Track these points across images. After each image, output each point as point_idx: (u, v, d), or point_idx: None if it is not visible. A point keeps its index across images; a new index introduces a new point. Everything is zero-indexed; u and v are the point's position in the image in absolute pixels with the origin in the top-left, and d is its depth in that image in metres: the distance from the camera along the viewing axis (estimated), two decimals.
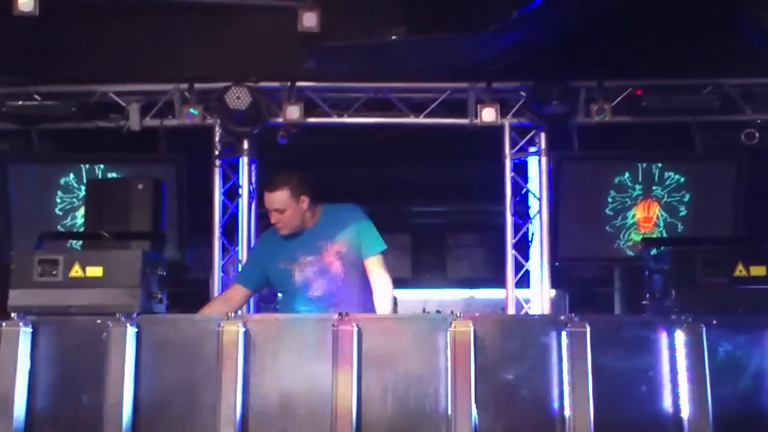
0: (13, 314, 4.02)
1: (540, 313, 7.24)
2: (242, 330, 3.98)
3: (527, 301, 7.68)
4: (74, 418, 3.97)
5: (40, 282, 4.04)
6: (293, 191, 4.94)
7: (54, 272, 4.05)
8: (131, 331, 3.97)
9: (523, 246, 7.74)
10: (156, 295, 4.24)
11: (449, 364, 3.97)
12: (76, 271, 4.06)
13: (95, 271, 4.06)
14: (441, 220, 10.64)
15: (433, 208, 10.37)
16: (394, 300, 7.58)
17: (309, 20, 6.36)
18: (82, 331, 4.05)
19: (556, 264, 7.51)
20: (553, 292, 8.40)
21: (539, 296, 7.55)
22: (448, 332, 3.99)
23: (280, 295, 5.36)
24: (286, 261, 5.03)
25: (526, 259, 7.68)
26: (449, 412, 3.93)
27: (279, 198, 4.95)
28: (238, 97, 7.16)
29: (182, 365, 4.04)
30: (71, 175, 7.55)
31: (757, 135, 7.42)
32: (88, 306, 4.03)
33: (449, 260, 10.51)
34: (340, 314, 4.07)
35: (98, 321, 4.00)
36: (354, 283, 5.01)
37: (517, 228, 7.65)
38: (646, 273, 4.46)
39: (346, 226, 5.04)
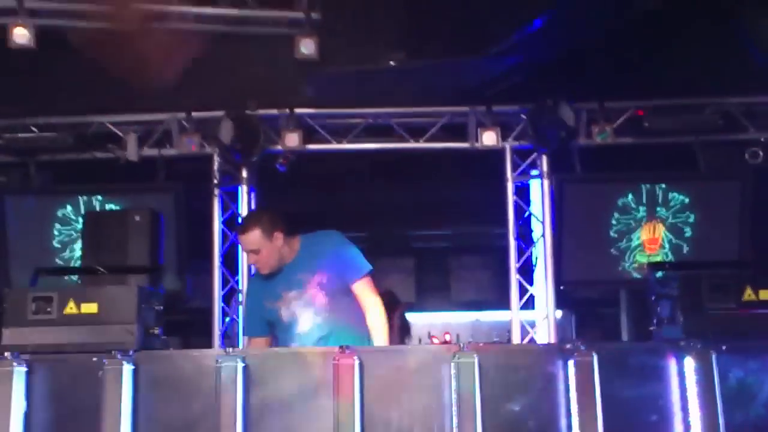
0: (6, 353, 3.93)
1: (546, 342, 7.14)
2: (241, 365, 3.89)
3: (532, 325, 7.58)
4: None
5: (34, 320, 3.96)
6: (265, 230, 4.86)
7: (48, 309, 3.97)
8: (128, 368, 3.88)
9: (527, 270, 7.66)
10: (153, 330, 4.15)
11: (454, 396, 3.88)
12: (70, 308, 3.98)
13: (90, 308, 3.98)
14: (444, 243, 10.58)
15: (436, 231, 10.32)
16: (407, 324, 7.52)
17: (307, 47, 6.31)
18: (78, 369, 3.95)
19: (561, 288, 7.41)
20: (559, 314, 8.32)
21: (544, 320, 7.45)
22: (452, 364, 3.90)
23: None
24: (271, 300, 4.95)
25: (530, 283, 7.60)
26: None
27: (251, 239, 4.88)
28: (227, 130, 7.10)
29: (181, 402, 3.94)
30: (68, 207, 7.50)
31: (761, 153, 7.36)
32: (83, 344, 3.94)
33: (453, 283, 10.46)
34: (341, 347, 3.98)
35: (94, 359, 3.91)
36: (342, 312, 4.90)
37: (520, 252, 7.57)
38: (653, 298, 4.38)
39: (325, 256, 4.95)
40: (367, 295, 4.93)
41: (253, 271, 5.32)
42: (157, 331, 4.19)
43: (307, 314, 4.91)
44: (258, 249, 4.88)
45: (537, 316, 7.58)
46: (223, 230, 7.56)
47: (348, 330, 4.88)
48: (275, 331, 5.03)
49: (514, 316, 7.47)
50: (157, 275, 4.96)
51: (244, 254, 7.37)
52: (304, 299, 4.92)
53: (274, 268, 4.94)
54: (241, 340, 6.60)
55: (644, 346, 4.41)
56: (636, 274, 7.41)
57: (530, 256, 7.63)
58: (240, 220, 4.94)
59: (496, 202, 7.71)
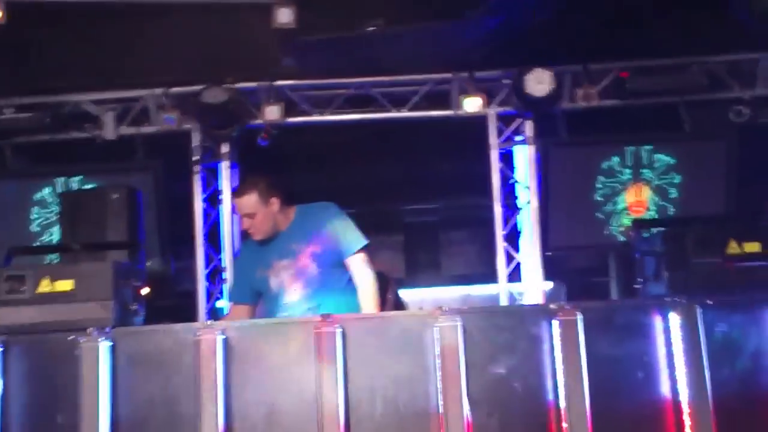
0: None
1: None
2: (221, 338, 3.83)
3: (522, 295, 7.53)
4: None
5: (7, 299, 3.90)
6: (261, 194, 4.81)
7: (22, 288, 3.91)
8: (105, 345, 3.82)
9: (514, 238, 7.61)
10: (131, 307, 4.09)
11: (438, 361, 3.83)
12: (45, 286, 3.92)
13: (65, 285, 3.91)
14: (433, 217, 10.47)
15: (424, 205, 10.23)
16: (402, 302, 7.48)
17: (284, 16, 6.19)
18: (55, 348, 3.90)
19: (548, 254, 7.36)
20: (550, 285, 8.26)
21: (532, 288, 7.40)
22: (435, 328, 3.85)
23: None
24: (262, 268, 4.89)
25: (517, 250, 7.53)
26: (440, 411, 3.79)
27: (247, 202, 4.83)
28: (215, 95, 7.00)
29: (160, 378, 3.88)
30: (46, 190, 7.40)
31: (745, 112, 7.29)
32: (58, 322, 3.88)
33: (443, 258, 10.36)
34: (322, 316, 3.93)
35: (70, 337, 3.85)
36: (332, 285, 4.84)
37: (506, 219, 7.51)
38: (638, 256, 4.33)
39: (320, 227, 4.87)
40: (360, 269, 4.86)
41: (237, 248, 5.24)
42: (135, 307, 4.13)
43: (296, 285, 4.84)
44: (253, 213, 4.82)
45: (526, 286, 7.53)
46: (205, 207, 7.47)
47: (338, 304, 4.80)
48: (263, 301, 4.96)
49: (501, 284, 7.41)
50: (136, 252, 4.87)
51: (228, 231, 7.38)
52: (295, 269, 4.85)
53: (267, 234, 4.88)
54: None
55: (629, 303, 4.38)
56: (622, 238, 7.35)
57: (516, 224, 7.56)
58: (235, 186, 4.88)
59: (484, 173, 7.63)
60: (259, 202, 4.81)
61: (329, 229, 4.86)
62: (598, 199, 7.42)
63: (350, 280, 4.87)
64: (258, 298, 5.00)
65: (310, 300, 4.82)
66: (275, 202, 4.85)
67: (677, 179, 7.38)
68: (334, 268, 4.85)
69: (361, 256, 4.88)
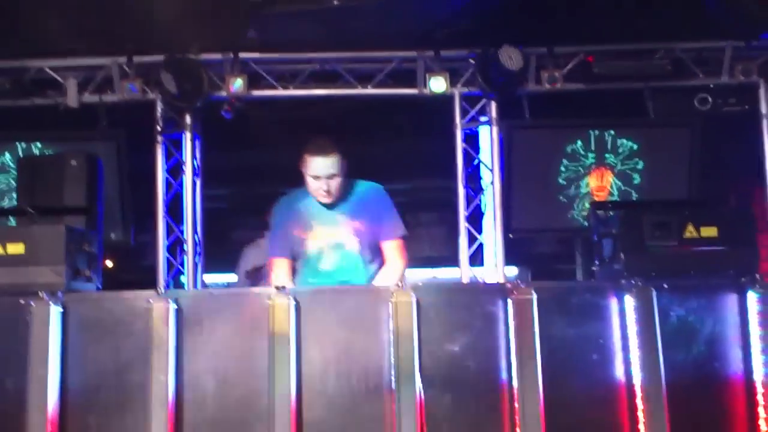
0: None
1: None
2: (173, 307, 3.80)
3: (484, 279, 7.54)
4: None
5: None
6: (342, 156, 4.75)
7: None
8: (55, 310, 3.77)
9: (477, 219, 7.60)
10: (84, 272, 4.03)
11: (392, 336, 3.82)
12: None
13: (16, 248, 3.85)
14: (399, 198, 10.41)
15: (390, 185, 10.19)
16: None
17: None
18: (4, 311, 3.85)
19: (510, 236, 7.36)
20: (514, 270, 8.26)
21: (493, 270, 7.41)
22: (390, 303, 3.83)
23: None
24: (301, 228, 4.83)
25: (480, 232, 7.53)
26: (393, 387, 3.78)
27: (332, 162, 4.73)
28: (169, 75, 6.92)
29: (111, 345, 3.85)
30: (6, 155, 7.28)
31: (710, 99, 7.33)
32: (9, 285, 3.83)
33: (409, 240, 10.35)
34: (276, 287, 3.90)
35: (21, 301, 3.80)
36: (367, 264, 4.82)
37: (469, 200, 7.50)
38: (596, 238, 4.34)
39: (368, 205, 4.85)
40: (393, 255, 4.86)
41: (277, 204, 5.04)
42: (88, 273, 4.07)
43: (335, 254, 4.80)
44: (335, 174, 4.73)
45: (489, 270, 7.53)
46: (167, 179, 7.39)
47: (368, 282, 4.79)
48: (297, 260, 4.89)
49: (463, 264, 7.41)
50: (93, 219, 4.81)
51: (189, 203, 7.31)
52: (336, 240, 4.81)
53: (337, 198, 4.83)
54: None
55: (585, 284, 4.41)
56: (584, 222, 7.37)
57: (479, 205, 7.55)
58: (314, 143, 4.72)
59: (449, 154, 7.61)
60: (340, 164, 4.75)
61: (376, 210, 4.85)
62: (561, 182, 7.42)
63: (381, 265, 4.86)
64: (295, 257, 4.94)
65: (343, 273, 4.78)
66: (345, 167, 4.80)
67: (640, 165, 7.40)
68: (372, 249, 4.83)
69: (398, 243, 4.88)
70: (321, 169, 4.74)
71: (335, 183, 4.76)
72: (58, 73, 7.30)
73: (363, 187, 4.96)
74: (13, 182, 7.16)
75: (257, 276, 7.04)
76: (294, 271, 4.89)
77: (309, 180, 4.78)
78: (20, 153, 7.28)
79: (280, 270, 4.87)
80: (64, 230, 3.88)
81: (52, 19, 6.66)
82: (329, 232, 4.82)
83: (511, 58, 6.90)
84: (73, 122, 7.37)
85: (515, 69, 6.91)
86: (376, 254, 4.88)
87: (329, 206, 4.85)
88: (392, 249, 4.87)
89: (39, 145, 7.31)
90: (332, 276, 4.78)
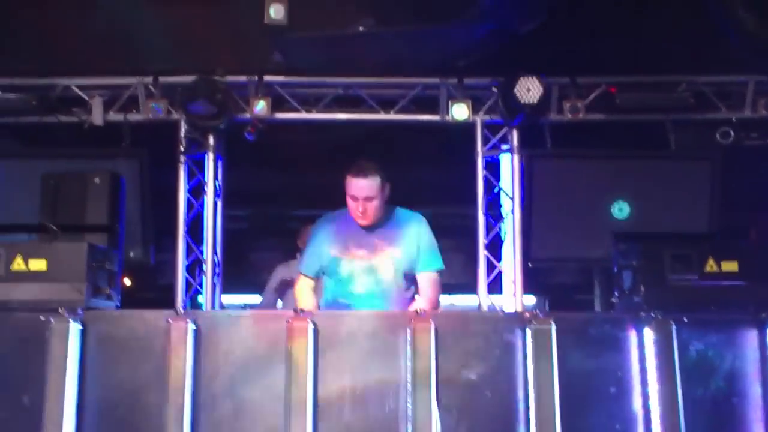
0: None
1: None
2: (192, 327, 3.81)
3: (502, 307, 7.50)
4: (14, 419, 3.78)
5: None
6: (383, 179, 4.77)
7: None
8: (75, 327, 3.79)
9: (496, 247, 7.59)
10: (104, 290, 4.05)
11: (409, 363, 3.81)
12: (18, 264, 3.88)
13: (39, 264, 3.88)
14: None
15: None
16: None
17: (276, 12, 6.20)
18: (24, 327, 3.87)
19: (529, 265, 7.34)
20: (532, 299, 8.22)
21: (513, 299, 7.38)
22: (408, 330, 3.83)
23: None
24: (337, 249, 4.85)
25: (500, 260, 7.52)
26: (409, 414, 3.77)
27: (372, 184, 4.75)
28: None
29: (129, 364, 3.86)
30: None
31: (732, 133, 7.31)
32: (30, 301, 3.85)
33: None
34: (295, 310, 3.91)
35: (41, 317, 3.82)
36: (400, 292, 4.83)
37: (489, 228, 7.49)
38: (616, 270, 4.33)
39: (408, 234, 4.86)
40: (427, 287, 4.86)
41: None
42: (108, 291, 4.09)
43: (368, 278, 4.81)
44: (373, 197, 4.75)
45: (507, 298, 7.50)
46: (188, 199, 7.43)
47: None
48: (330, 281, 4.91)
49: (481, 291, 7.39)
50: (115, 237, 4.83)
51: (210, 223, 7.34)
52: (371, 264, 4.82)
53: (375, 221, 4.83)
54: None
55: (604, 316, 4.39)
56: (605, 253, 7.33)
57: (500, 233, 7.54)
58: (355, 165, 4.78)
59: (469, 181, 7.62)
60: (380, 187, 4.76)
61: (415, 240, 4.85)
62: (582, 212, 7.40)
63: (413, 295, 4.86)
64: (321, 275, 4.97)
65: (374, 298, 4.78)
66: (387, 191, 4.82)
67: (661, 197, 7.36)
68: (407, 278, 4.84)
69: (433, 275, 4.88)
70: (358, 191, 4.77)
71: (372, 206, 4.77)
72: (84, 92, 7.38)
73: (404, 214, 4.97)
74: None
75: (283, 291, 7.10)
76: (319, 289, 4.94)
77: (348, 200, 4.81)
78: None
79: (302, 285, 4.92)
80: (86, 248, 3.90)
81: (79, 39, 6.75)
82: (364, 256, 4.83)
83: (528, 90, 6.92)
84: (98, 140, 7.43)
85: (532, 102, 6.92)
86: (410, 283, 4.88)
87: (368, 230, 4.86)
88: (426, 281, 4.87)
89: (63, 162, 7.34)
90: (363, 299, 4.78)
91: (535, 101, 6.92)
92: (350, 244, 4.84)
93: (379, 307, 4.72)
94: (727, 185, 7.28)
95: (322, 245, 4.91)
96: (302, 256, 5.20)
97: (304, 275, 5.00)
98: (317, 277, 4.98)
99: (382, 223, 4.87)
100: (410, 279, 4.89)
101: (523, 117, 7.16)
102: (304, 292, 4.94)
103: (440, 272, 4.91)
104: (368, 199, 4.75)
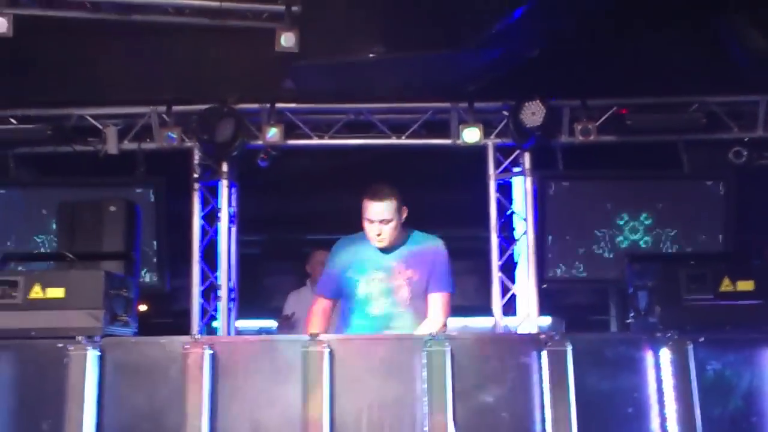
0: None
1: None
2: (208, 352, 3.83)
3: (517, 329, 7.49)
4: None
5: None
6: (399, 201, 4.80)
7: (13, 294, 3.91)
8: (93, 354, 3.81)
9: (510, 269, 7.59)
10: (121, 317, 4.08)
11: (425, 386, 3.81)
12: (36, 293, 3.91)
13: (56, 293, 3.91)
14: None
15: None
16: None
17: (287, 40, 6.25)
18: (43, 355, 3.89)
19: (543, 286, 7.34)
20: (548, 320, 8.21)
21: (528, 321, 7.37)
22: (423, 353, 3.84)
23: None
24: (355, 271, 4.87)
25: (514, 282, 7.51)
26: None
27: (388, 207, 4.77)
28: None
29: (147, 389, 3.88)
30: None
31: (744, 153, 7.31)
32: (48, 329, 3.88)
33: None
34: (311, 335, 3.92)
35: (59, 344, 3.85)
36: (416, 313, 4.84)
37: (503, 250, 7.50)
38: (631, 290, 4.33)
39: (425, 257, 4.88)
40: (435, 308, 4.85)
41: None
42: (125, 318, 4.12)
43: (384, 300, 4.81)
44: (389, 219, 4.77)
45: (522, 319, 7.49)
46: (203, 225, 7.48)
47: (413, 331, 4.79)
48: (348, 302, 4.92)
49: (496, 313, 7.39)
50: (131, 264, 4.87)
51: (224, 250, 7.37)
52: (387, 285, 4.83)
53: (391, 243, 4.87)
54: None
55: (620, 337, 4.37)
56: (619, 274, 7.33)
57: (513, 255, 7.55)
58: (371, 189, 4.83)
59: (482, 204, 7.64)
60: (396, 210, 4.78)
61: (431, 262, 4.87)
62: (596, 233, 7.40)
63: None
64: (339, 296, 5.00)
65: (390, 319, 4.80)
66: (404, 214, 4.85)
67: (675, 217, 7.37)
68: (421, 299, 4.85)
69: (443, 297, 4.88)
70: (374, 214, 4.80)
71: (388, 228, 4.80)
72: (99, 121, 7.45)
73: (421, 237, 4.99)
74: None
75: (285, 324, 7.08)
76: (334, 312, 4.96)
77: (365, 223, 4.84)
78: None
79: (317, 309, 4.95)
80: (103, 275, 3.93)
81: (94, 69, 6.82)
82: (381, 278, 4.86)
83: (533, 113, 6.96)
84: (113, 169, 7.49)
85: (536, 126, 6.96)
86: (424, 304, 4.89)
87: (385, 252, 4.88)
88: (436, 302, 4.87)
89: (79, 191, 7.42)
90: (380, 321, 4.80)
91: (540, 123, 6.95)
92: (368, 266, 4.87)
93: (396, 329, 4.74)
94: (741, 205, 7.27)
95: (340, 267, 4.94)
96: (319, 277, 5.22)
97: (321, 296, 5.03)
98: (334, 299, 5.00)
99: (399, 246, 4.89)
100: (424, 300, 4.89)
101: (534, 140, 7.18)
102: (316, 316, 4.96)
103: (451, 295, 4.92)
104: (384, 222, 4.78)
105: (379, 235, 4.80)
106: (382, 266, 4.85)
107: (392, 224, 4.79)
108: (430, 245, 4.94)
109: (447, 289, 4.89)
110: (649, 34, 6.55)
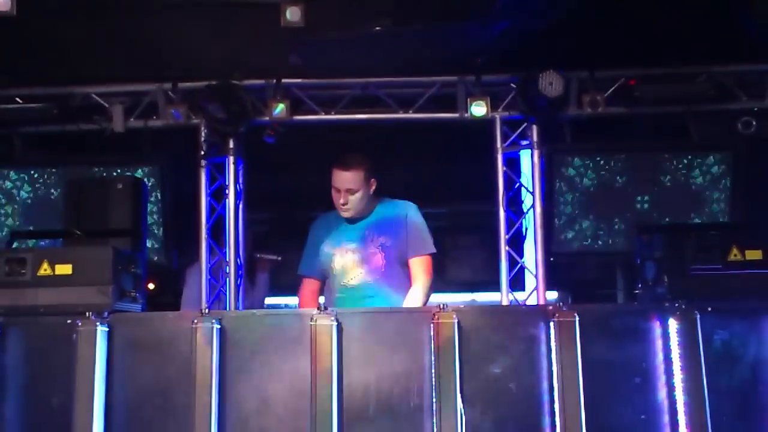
0: None
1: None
2: (216, 327, 3.85)
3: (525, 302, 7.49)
4: (43, 421, 3.85)
5: (7, 281, 3.94)
6: (367, 172, 4.84)
7: (22, 271, 3.95)
8: (102, 330, 3.84)
9: (518, 243, 7.57)
10: (130, 293, 4.10)
11: (433, 357, 3.83)
12: (44, 269, 3.94)
13: (65, 269, 3.94)
14: (439, 222, 10.37)
15: (431, 209, 10.19)
16: None
17: (293, 14, 6.19)
18: (52, 331, 3.94)
19: (551, 259, 7.33)
20: (555, 295, 8.19)
21: (534, 293, 7.36)
22: (431, 325, 3.85)
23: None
24: (330, 245, 4.90)
25: (522, 256, 7.50)
26: (434, 408, 3.78)
27: (354, 177, 4.83)
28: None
29: (156, 365, 3.92)
30: None
31: (754, 123, 7.26)
32: (57, 305, 3.92)
33: (449, 263, 10.32)
34: (319, 308, 3.94)
35: (68, 321, 3.88)
36: (393, 280, 4.86)
37: (510, 224, 7.48)
38: (638, 261, 4.33)
39: (396, 221, 4.91)
40: (419, 272, 4.89)
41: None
42: (134, 293, 4.15)
43: (359, 270, 4.84)
44: (355, 189, 4.82)
45: (530, 294, 7.47)
46: (210, 202, 7.47)
47: (392, 302, 4.82)
48: (329, 277, 4.96)
49: (503, 287, 7.38)
50: (138, 241, 4.88)
51: (232, 226, 7.37)
52: (362, 255, 4.85)
53: (358, 213, 4.88)
54: None
55: (628, 307, 4.39)
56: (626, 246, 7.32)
57: (520, 228, 7.52)
58: (341, 157, 4.87)
59: (489, 177, 7.61)
60: (363, 180, 4.83)
61: (404, 226, 4.89)
62: (604, 206, 7.38)
63: (408, 281, 4.87)
64: (325, 274, 4.97)
65: (367, 289, 4.81)
66: (373, 184, 4.90)
67: (683, 188, 7.34)
68: (399, 265, 4.87)
69: (425, 259, 4.89)
70: (340, 182, 4.85)
71: (354, 198, 4.82)
72: (104, 99, 7.42)
73: (391, 203, 5.00)
74: None
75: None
76: (324, 289, 4.96)
77: (332, 192, 4.85)
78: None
79: (304, 289, 4.94)
80: (111, 251, 3.96)
81: (98, 47, 6.80)
82: (354, 248, 4.87)
83: (551, 83, 6.90)
84: (119, 147, 7.49)
85: (554, 96, 6.91)
86: (404, 270, 4.88)
87: (355, 221, 4.89)
88: (418, 265, 4.88)
89: (85, 169, 7.43)
90: (356, 291, 4.82)
91: (560, 93, 6.91)
92: (340, 238, 4.89)
93: (373, 297, 4.74)
94: (750, 176, 7.23)
95: (316, 243, 4.96)
96: (302, 257, 5.22)
97: (306, 277, 5.03)
98: (321, 279, 4.99)
99: (369, 214, 4.90)
100: (404, 265, 4.90)
101: (542, 111, 7.14)
102: (306, 299, 4.94)
103: (432, 255, 4.91)
104: (350, 191, 4.80)
105: (344, 204, 4.83)
106: (355, 236, 4.87)
107: (358, 194, 4.80)
108: (401, 208, 4.95)
109: (426, 250, 4.90)
110: (656, 3, 6.50)
